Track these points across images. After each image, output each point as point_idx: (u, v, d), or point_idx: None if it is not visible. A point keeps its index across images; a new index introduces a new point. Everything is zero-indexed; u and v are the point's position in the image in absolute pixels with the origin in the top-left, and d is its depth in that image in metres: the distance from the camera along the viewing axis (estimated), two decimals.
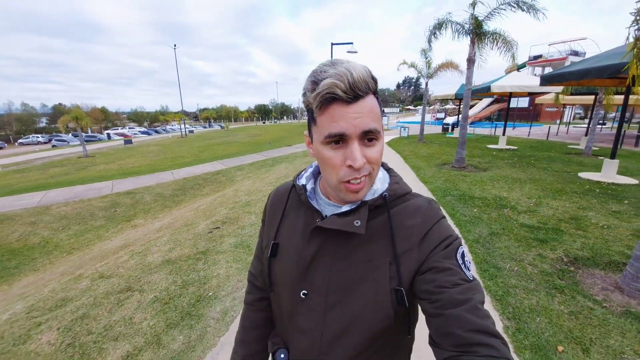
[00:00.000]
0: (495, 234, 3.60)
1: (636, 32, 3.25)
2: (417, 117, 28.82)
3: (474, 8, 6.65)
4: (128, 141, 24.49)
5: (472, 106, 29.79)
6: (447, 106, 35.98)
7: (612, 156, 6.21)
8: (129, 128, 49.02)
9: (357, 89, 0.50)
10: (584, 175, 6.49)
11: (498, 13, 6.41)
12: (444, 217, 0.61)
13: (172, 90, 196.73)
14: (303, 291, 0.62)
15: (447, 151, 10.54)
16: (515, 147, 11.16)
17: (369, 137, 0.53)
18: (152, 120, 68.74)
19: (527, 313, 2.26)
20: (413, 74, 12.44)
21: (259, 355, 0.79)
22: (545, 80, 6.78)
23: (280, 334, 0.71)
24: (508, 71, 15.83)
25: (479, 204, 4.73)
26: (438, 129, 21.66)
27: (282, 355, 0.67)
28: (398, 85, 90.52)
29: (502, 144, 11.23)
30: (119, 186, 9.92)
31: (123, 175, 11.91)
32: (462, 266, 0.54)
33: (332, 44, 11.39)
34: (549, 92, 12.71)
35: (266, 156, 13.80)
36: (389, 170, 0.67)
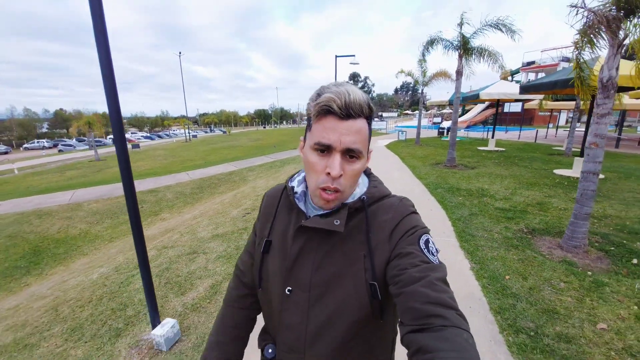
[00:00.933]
0: (474, 214, 4.54)
1: (577, 55, 4.23)
2: (415, 122, 29.88)
3: (461, 27, 7.67)
4: (135, 145, 25.42)
5: (468, 111, 30.94)
6: (444, 111, 37.10)
7: (581, 155, 7.19)
8: (132, 133, 49.80)
9: (351, 109, 0.56)
10: (558, 171, 7.43)
11: (482, 32, 7.42)
12: (415, 212, 0.67)
13: (171, 94, 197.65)
14: (288, 287, 0.66)
15: (440, 152, 11.52)
16: (504, 149, 12.12)
17: (351, 154, 0.59)
18: (153, 125, 69.69)
19: (488, 260, 3.19)
20: (410, 80, 13.46)
21: (234, 358, 0.79)
22: (523, 89, 7.79)
23: (269, 331, 0.75)
24: (502, 77, 16.89)
25: (464, 194, 5.67)
26: (434, 132, 22.75)
27: (270, 350, 0.72)
28: (396, 90, 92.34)
29: (491, 146, 12.22)
30: (141, 186, 10.74)
31: (138, 177, 12.69)
32: (425, 251, 0.58)
33: (336, 56, 12.47)
34: (534, 99, 13.75)
35: (273, 158, 14.73)
36: (369, 175, 0.73)
